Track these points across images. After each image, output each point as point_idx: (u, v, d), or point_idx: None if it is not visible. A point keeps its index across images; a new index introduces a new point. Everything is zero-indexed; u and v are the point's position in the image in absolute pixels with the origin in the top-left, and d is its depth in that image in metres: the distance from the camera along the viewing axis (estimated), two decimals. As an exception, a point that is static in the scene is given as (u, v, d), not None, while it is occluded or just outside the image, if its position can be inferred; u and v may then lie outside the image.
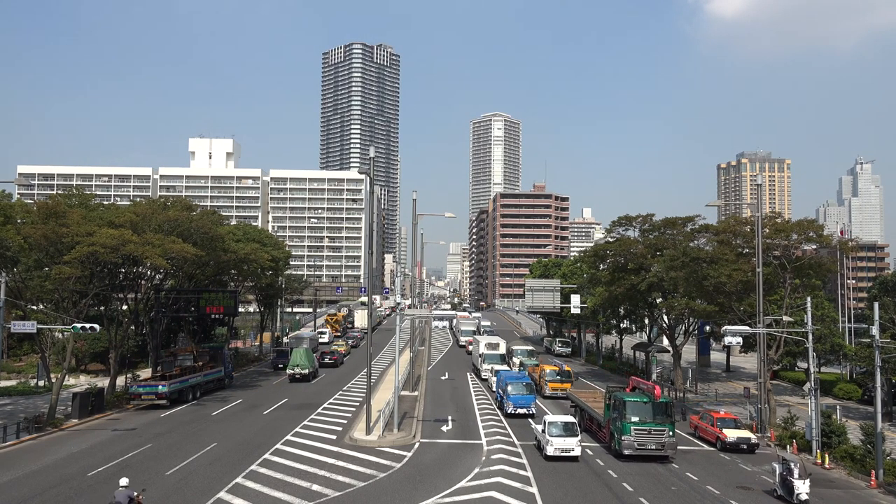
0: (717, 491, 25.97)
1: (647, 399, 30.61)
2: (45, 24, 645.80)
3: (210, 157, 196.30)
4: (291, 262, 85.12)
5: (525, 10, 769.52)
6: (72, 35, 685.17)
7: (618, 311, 67.45)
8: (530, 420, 38.09)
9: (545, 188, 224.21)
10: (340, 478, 26.05)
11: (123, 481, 19.00)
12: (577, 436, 29.65)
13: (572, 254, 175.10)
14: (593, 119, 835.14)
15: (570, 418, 31.34)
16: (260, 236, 70.17)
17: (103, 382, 46.95)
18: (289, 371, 55.70)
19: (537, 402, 42.29)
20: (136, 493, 19.02)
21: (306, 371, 55.36)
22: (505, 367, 54.94)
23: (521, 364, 56.70)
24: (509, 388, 40.85)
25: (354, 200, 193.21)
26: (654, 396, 30.53)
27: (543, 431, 30.18)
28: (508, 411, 40.12)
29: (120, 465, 27.60)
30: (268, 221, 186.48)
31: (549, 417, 31.03)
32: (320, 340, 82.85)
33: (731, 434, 33.47)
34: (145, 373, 52.12)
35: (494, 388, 46.78)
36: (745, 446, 33.20)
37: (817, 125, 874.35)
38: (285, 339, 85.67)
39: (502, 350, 59.54)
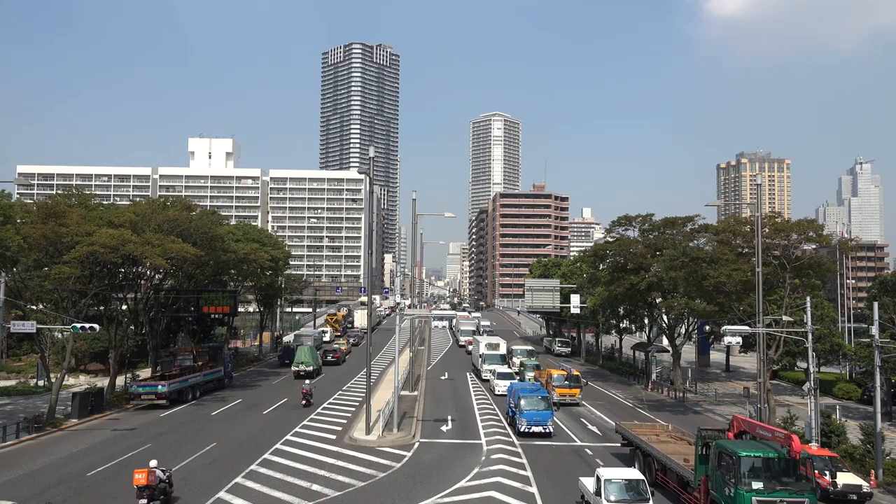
0: None
1: (776, 454, 20.45)
2: (44, 23, 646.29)
3: (210, 157, 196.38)
4: (291, 262, 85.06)
5: (525, 9, 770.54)
6: (71, 34, 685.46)
7: (617, 311, 67.52)
8: (550, 444, 33.79)
9: (545, 188, 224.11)
10: (340, 478, 26.08)
11: (307, 381, 41.28)
12: (648, 501, 21.03)
13: (572, 254, 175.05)
14: (593, 119, 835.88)
15: (636, 474, 22.34)
16: (259, 236, 70.19)
17: (103, 382, 46.97)
18: (294, 368, 56.61)
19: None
20: (311, 386, 42.69)
21: (311, 368, 56.01)
22: (505, 367, 54.92)
23: (522, 364, 56.65)
24: (523, 402, 35.39)
25: (354, 200, 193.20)
26: (791, 451, 19.87)
27: (598, 494, 21.19)
28: (521, 429, 34.80)
29: (120, 464, 27.60)
30: (267, 221, 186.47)
31: (605, 472, 21.81)
32: (323, 339, 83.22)
33: (837, 480, 25.09)
34: (145, 373, 52.09)
35: (504, 392, 44.68)
36: (854, 496, 25.13)
37: (817, 125, 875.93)
38: (287, 338, 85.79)
39: (502, 350, 59.63)
